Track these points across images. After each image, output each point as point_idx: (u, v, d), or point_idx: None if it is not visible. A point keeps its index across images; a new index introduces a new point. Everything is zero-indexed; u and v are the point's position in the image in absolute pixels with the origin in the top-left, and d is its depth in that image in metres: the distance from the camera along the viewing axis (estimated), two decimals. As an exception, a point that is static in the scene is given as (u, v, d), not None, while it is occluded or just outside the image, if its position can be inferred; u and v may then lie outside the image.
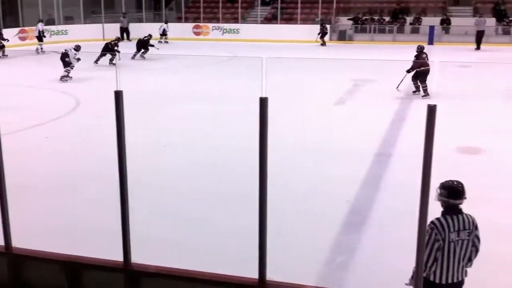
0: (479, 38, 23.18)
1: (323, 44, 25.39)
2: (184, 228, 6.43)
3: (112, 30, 26.70)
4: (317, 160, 8.71)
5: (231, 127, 10.72)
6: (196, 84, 15.30)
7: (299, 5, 27.63)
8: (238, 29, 27.74)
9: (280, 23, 27.88)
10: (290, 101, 12.34)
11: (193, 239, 6.14)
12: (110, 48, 19.21)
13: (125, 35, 27.40)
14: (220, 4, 28.70)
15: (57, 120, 11.61)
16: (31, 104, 12.91)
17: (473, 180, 7.31)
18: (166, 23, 26.94)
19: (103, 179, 7.66)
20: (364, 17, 26.84)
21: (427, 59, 13.35)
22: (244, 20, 29.00)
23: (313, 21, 27.73)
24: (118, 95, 4.36)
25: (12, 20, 26.06)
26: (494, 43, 23.51)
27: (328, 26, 26.02)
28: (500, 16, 25.37)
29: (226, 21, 28.55)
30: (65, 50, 15.97)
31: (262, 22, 28.57)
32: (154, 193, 7.35)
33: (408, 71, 13.16)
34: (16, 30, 25.16)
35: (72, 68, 15.83)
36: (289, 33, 26.33)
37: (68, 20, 27.78)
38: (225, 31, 27.89)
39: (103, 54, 18.88)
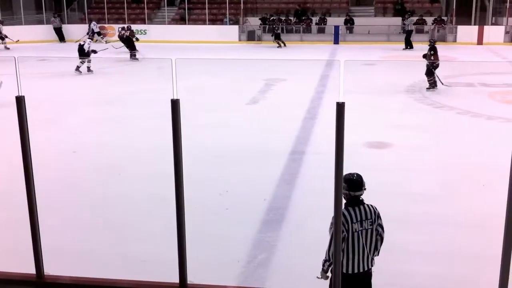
0: (408, 37, 24.11)
1: (280, 45, 24.66)
2: (100, 236, 6.21)
3: (11, 33, 25.36)
4: (232, 160, 8.72)
5: (143, 130, 10.51)
6: (104, 87, 14.86)
7: (206, 5, 27.58)
8: (145, 30, 27.24)
9: (188, 24, 27.71)
10: (202, 103, 12.29)
11: (109, 246, 5.95)
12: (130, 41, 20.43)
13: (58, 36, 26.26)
14: (125, 5, 28.06)
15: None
16: None
17: (382, 174, 7.68)
18: (91, 21, 26.22)
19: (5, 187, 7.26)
20: (272, 18, 27.24)
21: None
22: (151, 21, 28.55)
23: (221, 22, 27.79)
24: (20, 101, 4.15)
25: None
26: (399, 42, 24.48)
27: (278, 26, 25.36)
28: (404, 15, 26.46)
29: (133, 22, 27.93)
30: (83, 42, 17.37)
31: (169, 23, 28.25)
32: (63, 201, 7.07)
33: (435, 68, 13.75)
34: None
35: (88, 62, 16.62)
36: (198, 34, 26.21)
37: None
38: (132, 32, 27.28)
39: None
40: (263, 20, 27.11)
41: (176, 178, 3.86)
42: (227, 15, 27.76)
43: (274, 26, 25.46)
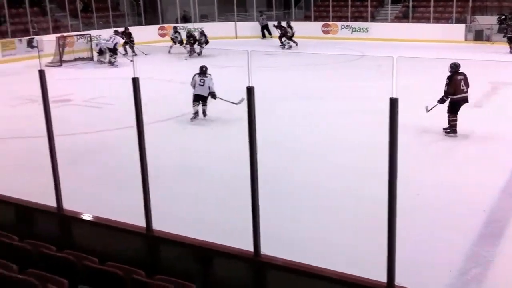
0: None
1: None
2: (311, 224, 6.47)
3: (243, 29, 27.47)
4: (452, 164, 8.35)
5: (356, 127, 10.62)
6: (323, 83, 15.27)
7: (431, 3, 26.52)
8: (367, 28, 27.24)
9: (411, 22, 26.97)
10: (419, 102, 11.89)
11: (317, 235, 6.18)
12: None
13: (265, 32, 27.65)
14: (350, 3, 28.37)
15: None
16: (167, 97, 13.65)
17: None
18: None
19: (232, 172, 7.92)
20: (503, 17, 25.08)
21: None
22: (374, 19, 28.42)
23: (447, 20, 26.51)
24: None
25: (152, 18, 27.74)
26: None
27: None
28: None
29: (355, 19, 28.15)
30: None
31: (392, 21, 27.80)
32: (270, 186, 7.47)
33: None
34: (156, 27, 26.77)
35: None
36: (421, 33, 25.32)
37: (203, 18, 28.97)
38: (354, 30, 27.52)
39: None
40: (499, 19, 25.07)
41: (390, 178, 3.87)
42: (453, 14, 26.37)
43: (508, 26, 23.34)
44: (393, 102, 3.85)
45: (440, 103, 9.63)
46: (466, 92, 9.64)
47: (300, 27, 27.80)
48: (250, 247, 4.45)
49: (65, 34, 22.06)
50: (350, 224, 6.41)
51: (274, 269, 4.48)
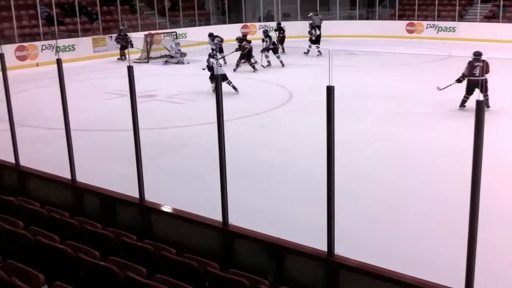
0: None
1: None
2: (385, 226, 6.38)
3: (326, 27, 27.27)
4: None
5: (434, 128, 10.29)
6: (406, 83, 14.89)
7: (525, 2, 25.20)
8: (454, 27, 26.28)
9: (502, 22, 25.71)
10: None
11: (394, 239, 6.06)
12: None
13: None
14: (436, 1, 27.48)
15: (271, 111, 12.33)
16: (248, 95, 13.84)
17: None
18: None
19: (311, 171, 7.91)
20: None
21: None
22: (462, 18, 27.37)
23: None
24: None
25: (235, 16, 28.14)
26: None
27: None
28: None
29: (442, 19, 27.23)
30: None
31: (481, 21, 26.64)
32: (354, 188, 7.39)
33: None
34: (239, 25, 27.10)
35: None
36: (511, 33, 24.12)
37: (286, 17, 29.03)
38: (440, 29, 26.65)
39: None
40: None
41: (473, 183, 3.74)
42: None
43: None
44: (480, 105, 3.73)
45: (457, 83, 11.44)
46: (479, 76, 11.15)
47: (383, 26, 27.30)
48: (324, 247, 4.46)
49: (152, 32, 22.84)
50: (432, 230, 6.23)
51: (347, 270, 4.44)
